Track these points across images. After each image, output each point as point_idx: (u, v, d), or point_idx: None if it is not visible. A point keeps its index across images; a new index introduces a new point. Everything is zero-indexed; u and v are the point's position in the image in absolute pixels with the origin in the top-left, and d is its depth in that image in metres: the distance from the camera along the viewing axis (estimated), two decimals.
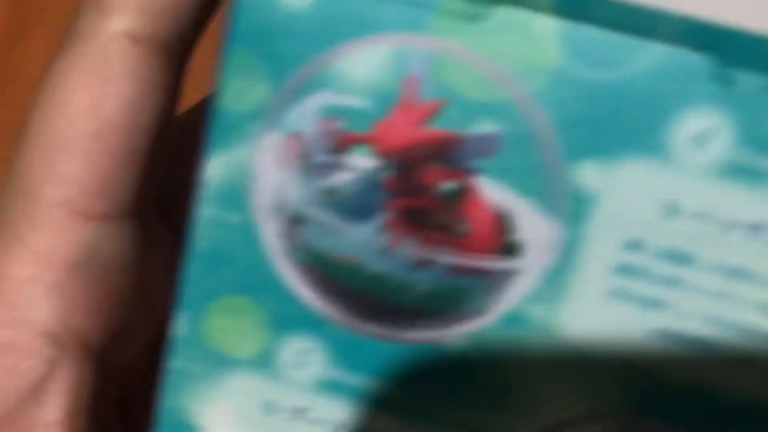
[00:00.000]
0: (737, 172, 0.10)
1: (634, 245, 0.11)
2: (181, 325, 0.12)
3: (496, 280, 0.11)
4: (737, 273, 0.11)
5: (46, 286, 0.12)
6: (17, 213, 0.13)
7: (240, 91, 0.11)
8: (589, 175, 0.10)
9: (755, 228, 0.10)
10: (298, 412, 0.12)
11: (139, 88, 0.12)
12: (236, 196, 0.11)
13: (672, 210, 0.10)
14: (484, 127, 0.11)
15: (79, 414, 0.13)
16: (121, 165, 0.12)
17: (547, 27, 0.10)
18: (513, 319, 0.11)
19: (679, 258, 0.11)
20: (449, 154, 0.11)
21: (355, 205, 0.11)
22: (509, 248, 0.11)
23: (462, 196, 0.11)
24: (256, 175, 0.11)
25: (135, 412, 0.16)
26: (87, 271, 0.13)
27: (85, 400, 0.13)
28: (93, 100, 0.12)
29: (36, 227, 0.12)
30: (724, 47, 0.10)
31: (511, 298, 0.11)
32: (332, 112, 0.11)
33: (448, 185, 0.11)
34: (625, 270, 0.11)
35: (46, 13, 0.28)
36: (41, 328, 0.13)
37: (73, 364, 0.13)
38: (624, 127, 0.10)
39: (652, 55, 0.10)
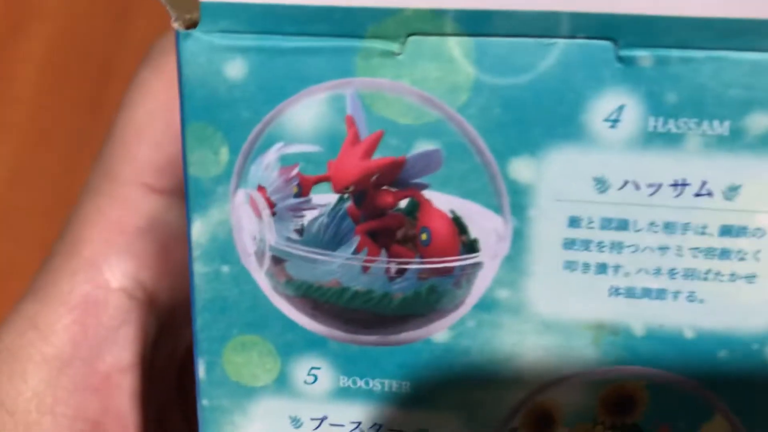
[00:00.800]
0: (651, 139, 0.11)
1: (575, 221, 0.12)
2: (201, 369, 0.13)
3: (462, 276, 0.12)
4: (671, 227, 0.12)
5: (120, 247, 0.15)
6: (98, 189, 0.16)
7: (203, 159, 0.12)
8: (521, 169, 0.12)
9: (677, 185, 0.12)
10: (320, 420, 0.13)
11: None
12: (223, 249, 0.13)
13: (602, 184, 0.12)
14: (423, 146, 0.12)
15: (147, 362, 0.15)
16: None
17: (457, 47, 0.11)
18: (484, 305, 0.12)
19: (618, 224, 0.12)
20: (397, 176, 0.12)
21: (326, 237, 0.12)
22: (467, 246, 0.12)
23: (417, 210, 0.12)
24: (235, 227, 0.13)
25: (195, 408, 0.18)
26: (154, 236, 0.15)
27: (152, 352, 0.15)
28: (168, 99, 0.15)
29: (113, 200, 0.15)
30: (618, 31, 0.11)
31: (478, 288, 0.12)
32: (288, 161, 0.12)
33: (403, 203, 0.12)
34: (572, 244, 0.12)
35: (44, 12, 0.28)
36: (116, 284, 0.15)
37: (143, 317, 0.15)
38: (544, 121, 0.11)
39: (555, 52, 0.11)
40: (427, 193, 0.12)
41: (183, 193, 0.16)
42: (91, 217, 0.15)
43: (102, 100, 0.27)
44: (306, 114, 0.12)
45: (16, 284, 0.18)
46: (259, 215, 0.12)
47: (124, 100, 0.16)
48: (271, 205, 0.12)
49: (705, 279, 0.12)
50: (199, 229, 0.13)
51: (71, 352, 0.14)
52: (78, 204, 0.16)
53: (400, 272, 0.12)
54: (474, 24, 0.11)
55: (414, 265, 0.12)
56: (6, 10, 0.28)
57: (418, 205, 0.12)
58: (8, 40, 0.28)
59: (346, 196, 0.12)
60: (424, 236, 0.12)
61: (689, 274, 0.12)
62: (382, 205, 0.12)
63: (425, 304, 0.13)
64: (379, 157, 0.12)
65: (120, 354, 0.15)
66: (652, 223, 0.12)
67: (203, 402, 0.14)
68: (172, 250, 0.16)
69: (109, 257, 0.15)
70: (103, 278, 0.15)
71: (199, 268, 0.13)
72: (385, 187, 0.12)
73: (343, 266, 0.12)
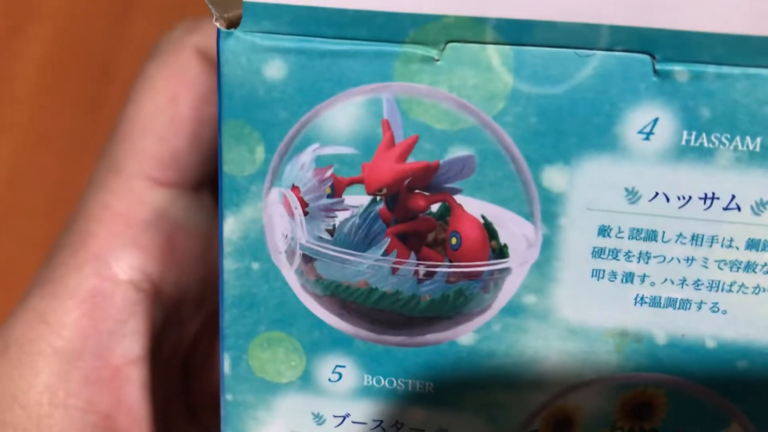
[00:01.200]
0: (684, 153, 0.12)
1: (604, 230, 0.12)
2: (227, 364, 0.13)
3: (490, 281, 0.12)
4: (698, 239, 0.12)
5: (126, 240, 0.15)
6: (103, 183, 0.16)
7: (239, 157, 0.12)
8: (554, 178, 0.12)
9: (707, 199, 0.12)
10: (343, 418, 0.14)
11: (208, 87, 0.15)
12: (254, 246, 0.13)
13: (633, 195, 0.12)
14: (457, 152, 0.12)
15: (154, 355, 0.15)
16: (188, 145, 0.15)
17: (496, 55, 0.12)
18: (511, 310, 0.13)
19: (646, 235, 0.12)
20: (430, 180, 0.12)
21: (357, 238, 0.13)
22: (497, 251, 0.12)
23: (449, 214, 0.12)
24: (267, 225, 0.13)
25: (198, 400, 0.18)
26: (159, 228, 0.15)
27: (158, 344, 0.16)
28: (172, 95, 0.15)
29: (119, 194, 0.15)
30: (656, 46, 0.11)
31: (506, 293, 0.12)
32: (323, 162, 0.12)
33: (434, 207, 0.12)
34: (601, 252, 0.12)
35: (44, 12, 0.28)
36: (123, 277, 0.15)
37: (150, 309, 0.15)
38: (578, 131, 0.12)
39: (593, 64, 0.11)
40: (459, 198, 0.12)
41: (187, 186, 0.16)
42: (96, 210, 0.15)
43: (102, 100, 0.27)
44: (342, 116, 0.12)
45: (17, 284, 0.18)
46: (291, 214, 0.13)
47: (129, 96, 0.16)
48: (304, 204, 0.13)
49: (729, 291, 0.12)
50: (232, 226, 0.13)
51: (81, 345, 0.15)
52: (83, 198, 0.16)
53: (429, 275, 0.13)
54: (514, 33, 0.11)
55: (443, 269, 0.13)
56: (6, 10, 0.28)
57: (449, 210, 0.12)
58: (8, 40, 0.28)
59: (378, 198, 0.12)
60: (454, 240, 0.12)
61: (714, 285, 0.12)
62: (414, 209, 0.12)
63: (452, 307, 0.13)
64: (413, 161, 0.12)
65: (129, 346, 0.15)
66: (680, 235, 0.12)
67: (227, 397, 0.14)
68: (177, 242, 0.16)
69: (115, 250, 0.15)
70: (110, 271, 0.15)
71: (229, 265, 0.13)
72: (417, 191, 0.12)
73: (372, 267, 0.13)
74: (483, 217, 0.12)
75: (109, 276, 0.15)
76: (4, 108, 0.28)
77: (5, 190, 0.27)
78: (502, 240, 0.12)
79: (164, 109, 0.15)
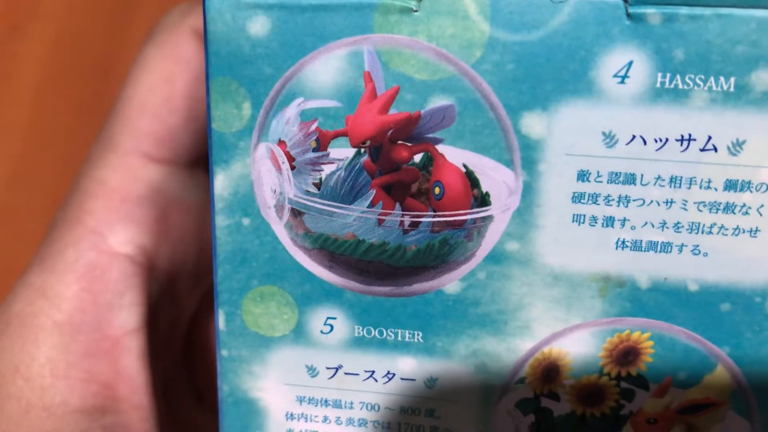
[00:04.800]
0: (659, 95, 0.12)
1: (584, 175, 0.12)
2: (221, 320, 0.14)
3: (473, 229, 0.13)
4: (676, 181, 0.12)
5: (122, 215, 0.16)
6: (99, 160, 0.16)
7: (227, 114, 0.13)
8: (533, 124, 0.12)
9: (683, 141, 0.12)
10: (335, 370, 0.14)
11: (204, 67, 0.15)
12: (244, 202, 0.13)
13: (610, 139, 0.12)
14: (437, 102, 0.12)
15: (152, 326, 0.16)
16: (183, 123, 0.16)
17: (472, 4, 0.12)
18: (494, 257, 0.13)
19: (625, 178, 0.12)
20: (412, 131, 0.12)
21: (343, 191, 0.13)
22: (479, 200, 0.13)
23: (431, 164, 0.13)
24: (256, 181, 0.13)
25: (199, 372, 0.18)
26: (154, 204, 0.16)
27: (155, 316, 0.16)
28: (168, 74, 0.16)
29: (114, 170, 0.16)
30: None
31: (489, 241, 0.13)
32: (308, 116, 0.13)
33: (417, 158, 0.13)
34: (581, 197, 0.12)
35: (44, 12, 0.28)
36: (120, 250, 0.15)
37: (146, 282, 0.16)
38: (555, 77, 0.12)
39: (567, 10, 0.12)
40: (440, 148, 0.13)
41: (182, 163, 0.16)
42: (93, 187, 0.16)
43: (102, 100, 0.28)
44: (325, 70, 0.12)
45: None
46: (279, 169, 0.13)
47: (127, 77, 0.16)
48: (291, 159, 0.13)
49: (709, 233, 0.12)
50: (222, 183, 0.13)
51: (81, 317, 0.15)
52: (79, 175, 0.16)
53: (414, 225, 0.13)
54: None
55: (427, 218, 0.13)
56: (6, 10, 0.29)
57: (432, 160, 0.13)
58: (8, 39, 0.28)
59: (362, 150, 0.13)
60: (437, 190, 0.13)
61: (694, 227, 0.12)
62: (397, 160, 0.13)
63: (437, 256, 0.13)
64: (395, 112, 0.12)
65: (127, 318, 0.15)
66: (658, 177, 0.12)
67: (222, 352, 0.14)
68: (171, 218, 0.16)
69: (112, 225, 0.15)
70: (107, 245, 0.15)
71: (220, 221, 0.13)
72: (400, 142, 0.13)
73: (358, 219, 0.13)
74: (464, 165, 0.13)
75: (105, 249, 0.15)
76: (4, 108, 0.28)
77: (5, 190, 0.27)
78: (484, 188, 0.13)
79: (160, 87, 0.16)
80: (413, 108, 0.12)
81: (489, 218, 0.13)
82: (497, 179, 0.12)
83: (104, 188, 0.16)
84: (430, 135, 0.12)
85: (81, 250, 0.15)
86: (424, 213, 0.13)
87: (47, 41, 0.29)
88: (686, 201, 0.12)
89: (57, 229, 0.16)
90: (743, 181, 0.12)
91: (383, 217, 0.13)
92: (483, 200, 0.13)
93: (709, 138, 0.12)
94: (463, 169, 0.13)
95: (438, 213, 0.13)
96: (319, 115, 0.13)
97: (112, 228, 0.15)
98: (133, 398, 0.15)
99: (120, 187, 0.16)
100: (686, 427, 0.13)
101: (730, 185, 0.12)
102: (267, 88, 0.13)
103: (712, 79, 0.12)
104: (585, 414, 0.13)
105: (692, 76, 0.12)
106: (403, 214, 0.13)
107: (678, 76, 0.12)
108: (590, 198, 0.12)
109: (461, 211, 0.13)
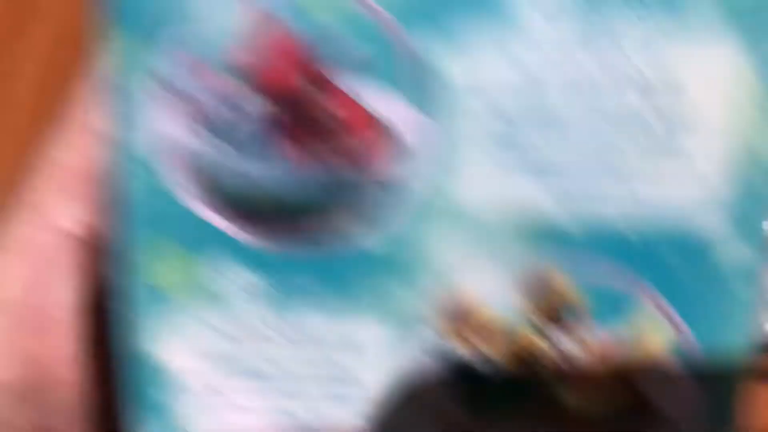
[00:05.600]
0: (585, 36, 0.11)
1: (507, 120, 0.12)
2: (119, 277, 0.13)
3: (384, 173, 0.12)
4: (606, 120, 0.11)
5: (67, 192, 0.15)
6: (52, 139, 0.15)
7: (120, 55, 0.12)
8: (449, 66, 0.11)
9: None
10: (237, 324, 0.13)
11: None
12: (137, 152, 0.13)
13: (532, 82, 0.11)
14: (339, 35, 0.12)
15: (94, 304, 0.16)
16: None
17: None
18: (416, 206, 0.12)
19: (550, 122, 0.11)
20: (314, 66, 0.12)
21: (241, 135, 0.13)
22: (390, 143, 0.12)
23: (336, 101, 0.12)
24: (151, 128, 0.13)
25: None
26: (100, 181, 0.15)
27: (99, 295, 0.16)
28: None
29: (67, 148, 0.15)
30: None
31: (399, 185, 0.12)
32: (209, 62, 0.12)
33: (319, 95, 0.12)
34: (504, 143, 0.12)
35: (44, 12, 0.28)
36: (62, 227, 0.15)
37: (89, 259, 0.15)
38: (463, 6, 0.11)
39: None
40: (345, 84, 0.12)
41: None
42: (41, 164, 0.16)
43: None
44: (219, 6, 0.12)
45: None
46: (174, 116, 0.13)
47: (92, 55, 0.16)
48: (188, 105, 0.13)
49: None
50: (116, 129, 0.13)
51: (22, 296, 0.15)
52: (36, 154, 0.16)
53: (317, 168, 0.12)
54: None
55: (331, 160, 0.12)
56: (6, 10, 0.29)
57: (336, 98, 0.12)
58: (9, 39, 0.29)
59: (262, 93, 0.12)
60: (342, 130, 0.12)
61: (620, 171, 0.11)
62: (298, 99, 0.12)
63: (344, 202, 0.12)
64: (294, 47, 0.12)
65: (67, 295, 0.15)
66: (584, 118, 0.11)
67: (122, 310, 0.14)
68: None
69: (57, 201, 0.15)
70: (50, 222, 0.15)
71: (115, 171, 0.13)
72: (301, 79, 0.12)
73: (257, 164, 0.13)
74: (371, 105, 0.12)
75: (48, 226, 0.15)
76: (4, 108, 0.29)
77: (5, 190, 0.28)
78: (393, 128, 0.12)
79: None
80: (315, 41, 0.12)
81: (399, 160, 0.12)
82: (407, 119, 0.12)
83: (57, 168, 0.16)
84: (333, 69, 0.12)
85: (24, 227, 0.15)
86: (330, 156, 0.12)
87: (47, 41, 0.30)
88: (613, 145, 0.11)
89: (7, 210, 0.16)
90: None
91: (285, 162, 0.12)
92: (401, 149, 0.12)
93: None
94: (371, 110, 0.12)
95: (342, 155, 0.12)
96: (206, 50, 0.12)
97: (56, 205, 0.15)
98: (70, 377, 0.15)
99: (72, 166, 0.16)
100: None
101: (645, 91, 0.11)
102: (162, 30, 0.12)
103: None
104: (503, 358, 0.13)
105: None
106: (308, 157, 0.12)
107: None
108: (514, 144, 0.12)
109: (371, 153, 0.12)
